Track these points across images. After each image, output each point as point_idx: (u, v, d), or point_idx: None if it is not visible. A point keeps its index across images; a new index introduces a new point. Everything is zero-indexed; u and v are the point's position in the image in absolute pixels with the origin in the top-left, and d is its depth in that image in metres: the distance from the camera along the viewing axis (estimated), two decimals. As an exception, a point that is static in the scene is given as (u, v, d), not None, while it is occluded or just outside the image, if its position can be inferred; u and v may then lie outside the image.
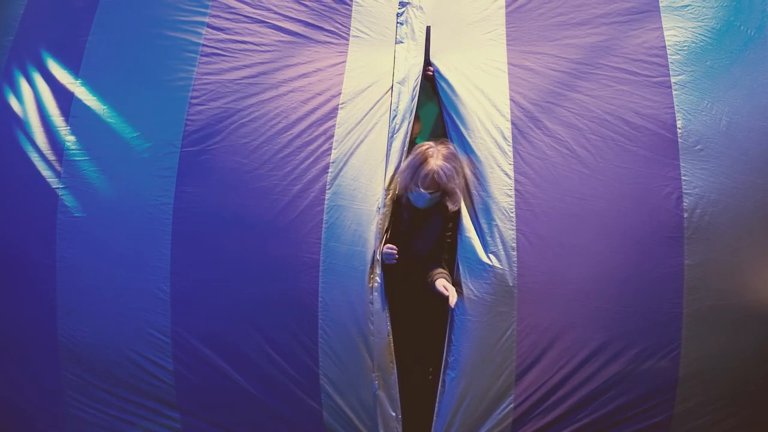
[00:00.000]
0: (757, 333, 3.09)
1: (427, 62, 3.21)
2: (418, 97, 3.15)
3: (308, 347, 3.03)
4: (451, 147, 2.99)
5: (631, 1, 3.22)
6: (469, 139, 3.05)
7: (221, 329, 3.09)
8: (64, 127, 3.24)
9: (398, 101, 3.12)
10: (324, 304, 3.01)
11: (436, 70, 3.17)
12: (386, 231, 3.04)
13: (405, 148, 3.09)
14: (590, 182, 3.04)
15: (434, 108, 3.59)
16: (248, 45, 3.20)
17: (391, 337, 3.01)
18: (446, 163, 2.87)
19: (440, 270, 3.04)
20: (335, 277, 3.00)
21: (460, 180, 2.89)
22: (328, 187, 3.04)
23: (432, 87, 3.24)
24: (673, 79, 3.11)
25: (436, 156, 2.91)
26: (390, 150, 3.08)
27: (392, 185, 3.05)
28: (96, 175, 3.18)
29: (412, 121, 3.12)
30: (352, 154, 3.07)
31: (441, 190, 2.89)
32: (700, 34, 3.18)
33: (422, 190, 2.90)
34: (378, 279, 2.98)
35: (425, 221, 2.96)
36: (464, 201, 3.00)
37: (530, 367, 3.02)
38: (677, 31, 3.17)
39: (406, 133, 3.10)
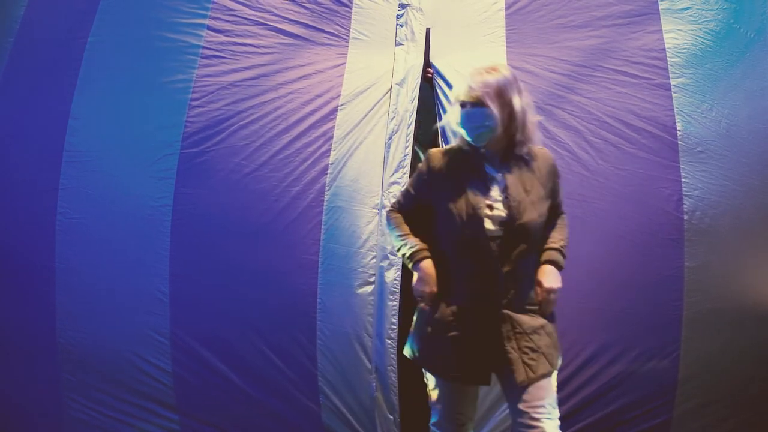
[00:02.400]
0: (757, 335, 3.07)
1: (427, 64, 3.21)
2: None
3: (306, 348, 3.04)
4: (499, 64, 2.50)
5: (630, 3, 3.21)
6: (468, 141, 3.05)
7: (220, 331, 3.10)
8: (64, 129, 3.24)
9: (397, 103, 3.12)
10: (322, 305, 3.02)
11: (436, 72, 3.17)
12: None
13: (408, 149, 3.09)
14: (590, 184, 3.03)
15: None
16: (248, 47, 3.21)
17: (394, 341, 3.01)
18: (482, 73, 2.39)
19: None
20: (334, 279, 3.02)
21: (494, 92, 2.33)
22: (327, 188, 3.05)
23: (431, 88, 3.23)
24: (672, 82, 3.11)
25: (474, 69, 2.41)
26: (388, 151, 3.08)
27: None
28: (96, 177, 3.19)
29: (413, 122, 3.12)
30: (351, 155, 3.08)
31: (471, 101, 2.35)
32: (699, 37, 3.17)
33: (457, 105, 2.40)
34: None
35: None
36: None
37: (530, 369, 3.01)
38: (677, 33, 3.17)
39: (408, 134, 3.10)
